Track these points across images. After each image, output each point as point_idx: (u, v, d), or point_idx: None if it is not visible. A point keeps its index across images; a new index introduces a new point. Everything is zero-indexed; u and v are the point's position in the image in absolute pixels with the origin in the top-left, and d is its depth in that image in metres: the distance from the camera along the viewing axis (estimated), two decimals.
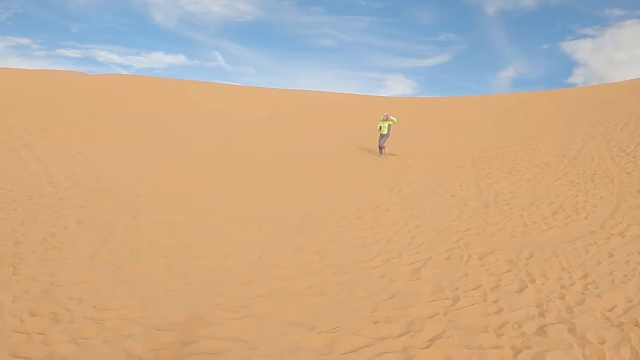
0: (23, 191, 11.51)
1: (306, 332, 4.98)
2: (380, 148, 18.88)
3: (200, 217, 10.20)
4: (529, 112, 27.65)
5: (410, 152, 19.22)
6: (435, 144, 21.03)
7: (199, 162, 17.27)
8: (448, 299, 5.83)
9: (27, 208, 10.02)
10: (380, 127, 18.80)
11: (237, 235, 8.89)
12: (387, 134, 18.74)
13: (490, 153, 17.56)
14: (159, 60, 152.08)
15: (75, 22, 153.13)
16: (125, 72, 66.23)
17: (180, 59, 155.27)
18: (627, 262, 7.07)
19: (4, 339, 4.60)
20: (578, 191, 11.60)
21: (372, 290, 6.14)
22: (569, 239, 8.27)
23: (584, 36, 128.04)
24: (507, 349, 4.64)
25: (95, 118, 27.78)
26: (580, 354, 4.54)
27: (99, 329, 4.94)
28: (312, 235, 8.90)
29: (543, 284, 6.25)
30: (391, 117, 18.79)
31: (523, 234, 8.72)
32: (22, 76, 46.79)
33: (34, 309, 5.32)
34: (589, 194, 11.27)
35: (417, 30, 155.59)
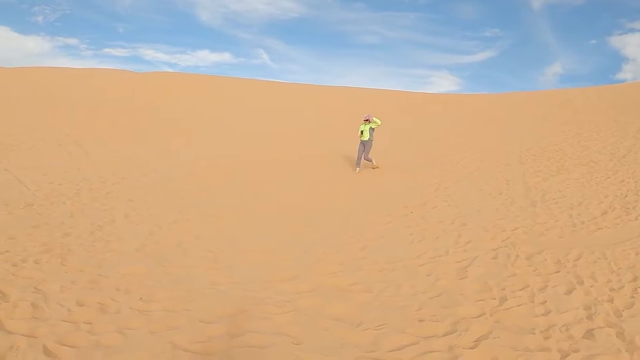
0: (72, 185, 11.77)
1: (351, 329, 4.89)
2: (359, 159, 15.72)
3: (246, 212, 10.23)
4: (576, 109, 27.09)
5: (456, 149, 18.92)
6: (481, 141, 20.68)
7: (245, 158, 17.39)
8: (495, 298, 5.67)
9: (75, 201, 10.23)
10: (362, 132, 15.67)
11: (282, 231, 8.87)
12: (370, 140, 15.64)
13: (537, 151, 17.17)
14: (204, 58, 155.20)
15: (122, 22, 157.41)
16: (171, 70, 67.46)
17: (225, 56, 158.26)
18: None
19: (52, 328, 4.65)
20: (628, 191, 11.20)
21: (418, 288, 6.03)
22: (618, 240, 7.97)
23: (633, 30, 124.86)
24: (555, 352, 4.46)
25: (143, 115, 28.32)
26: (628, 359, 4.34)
27: (145, 320, 4.96)
28: (359, 231, 8.81)
29: (591, 286, 6.01)
30: (374, 118, 15.54)
31: (571, 234, 8.45)
32: (71, 75, 48.13)
33: (81, 299, 5.38)
34: (639, 194, 10.87)
35: (462, 26, 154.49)
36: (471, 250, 7.55)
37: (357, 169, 15.71)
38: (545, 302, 5.55)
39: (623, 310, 5.31)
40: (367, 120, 15.50)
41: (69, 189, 11.39)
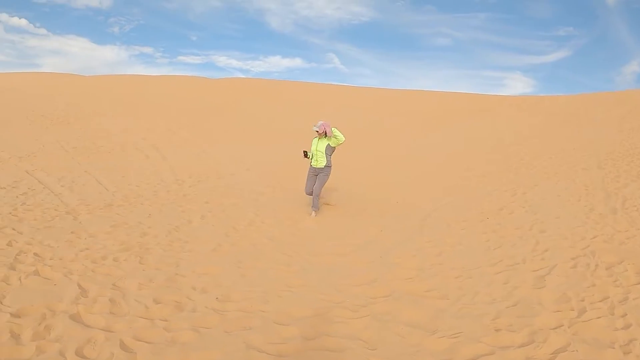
0: (149, 187, 12.24)
1: (427, 336, 4.85)
2: (314, 195, 10.33)
3: (321, 216, 10.33)
4: None
5: (532, 152, 18.59)
6: (558, 144, 20.19)
7: None
8: (573, 309, 5.46)
9: (153, 202, 10.64)
10: (313, 154, 10.31)
11: (357, 235, 8.91)
12: (327, 167, 10.23)
13: (617, 154, 16.65)
14: (276, 64, 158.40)
15: (195, 30, 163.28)
16: (243, 76, 69.38)
17: (297, 62, 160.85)
18: None
19: (129, 323, 4.85)
20: None
21: (495, 296, 5.92)
22: None
23: None
24: None
25: (218, 119, 29.07)
26: None
27: (220, 319, 5.08)
28: (434, 236, 8.76)
29: None
30: (334, 130, 9.76)
31: None
32: (147, 81, 50.16)
33: (158, 297, 5.59)
34: None
35: (534, 25, 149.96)
36: (549, 259, 7.35)
37: (313, 212, 10.33)
38: (626, 314, 5.30)
39: None
40: (322, 133, 9.94)
41: (147, 190, 11.84)
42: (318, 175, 10.26)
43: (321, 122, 9.89)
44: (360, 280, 6.49)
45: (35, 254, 6.82)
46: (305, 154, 10.37)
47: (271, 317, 5.19)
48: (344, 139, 9.77)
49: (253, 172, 15.22)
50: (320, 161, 10.13)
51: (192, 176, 14.01)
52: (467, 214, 10.46)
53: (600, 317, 5.24)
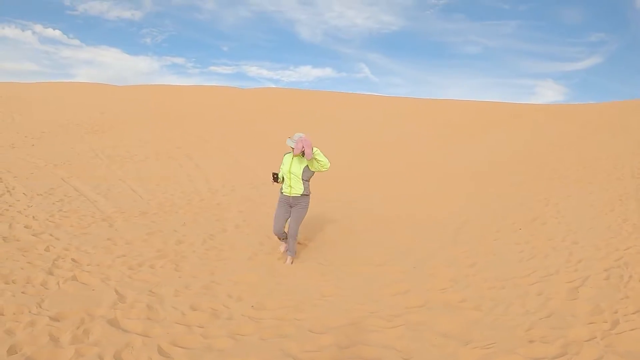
0: (184, 195, 12.48)
1: (461, 346, 4.86)
2: (282, 229, 7.83)
3: (355, 226, 10.40)
4: None
5: (565, 162, 18.43)
6: (591, 153, 19.94)
7: (351, 171, 17.56)
8: (607, 322, 5.39)
9: (187, 211, 10.85)
10: (284, 177, 7.82)
11: (391, 245, 8.96)
12: (303, 198, 7.72)
13: None
14: (307, 73, 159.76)
15: (226, 41, 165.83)
16: (274, 86, 70.18)
17: (327, 71, 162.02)
18: None
19: (166, 329, 4.96)
20: None
21: (528, 308, 5.89)
22: None
23: None
24: None
25: (249, 129, 29.30)
26: None
27: (256, 327, 5.17)
28: (468, 247, 8.77)
29: None
30: (315, 151, 7.24)
31: None
32: (179, 91, 50.92)
33: (195, 304, 5.71)
34: None
35: (565, 32, 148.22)
36: (582, 270, 7.28)
37: (289, 259, 7.77)
38: None
39: None
40: (301, 151, 7.20)
41: (181, 199, 12.07)
42: (293, 208, 7.79)
43: (300, 134, 7.33)
44: (394, 290, 6.54)
45: (72, 259, 7.02)
46: (275, 178, 7.89)
47: (306, 326, 5.26)
48: (329, 165, 7.46)
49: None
50: (295, 187, 7.66)
51: (226, 185, 14.23)
52: (499, 224, 10.45)
53: (633, 330, 5.18)
